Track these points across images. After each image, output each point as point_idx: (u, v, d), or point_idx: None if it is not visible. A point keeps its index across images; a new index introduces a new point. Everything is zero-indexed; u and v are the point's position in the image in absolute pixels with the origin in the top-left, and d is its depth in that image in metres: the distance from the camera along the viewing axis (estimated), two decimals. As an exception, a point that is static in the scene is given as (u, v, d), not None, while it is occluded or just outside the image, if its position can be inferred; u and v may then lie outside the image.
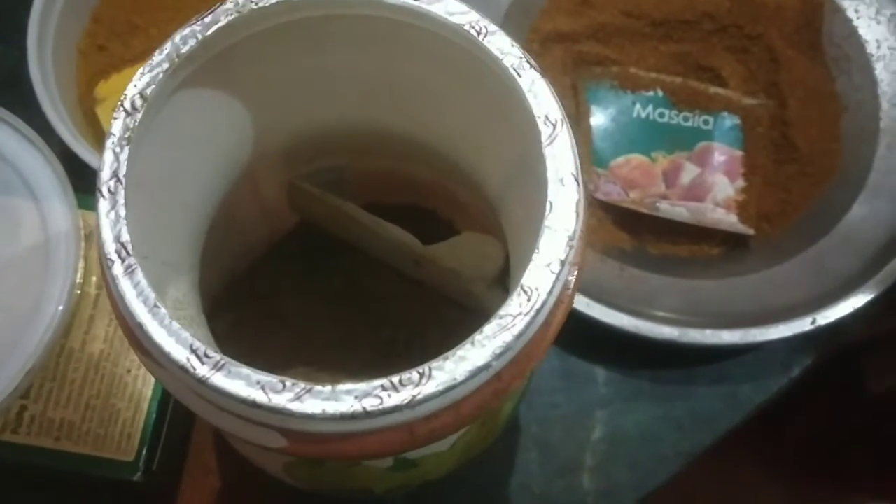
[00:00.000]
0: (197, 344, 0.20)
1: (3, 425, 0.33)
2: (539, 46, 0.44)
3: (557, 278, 0.20)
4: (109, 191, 0.21)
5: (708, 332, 0.37)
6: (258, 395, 0.19)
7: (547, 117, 0.22)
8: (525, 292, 0.20)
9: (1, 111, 0.36)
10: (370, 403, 0.19)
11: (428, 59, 0.25)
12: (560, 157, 0.22)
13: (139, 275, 0.20)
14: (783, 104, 0.44)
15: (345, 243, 0.33)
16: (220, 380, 0.19)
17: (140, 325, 0.20)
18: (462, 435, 0.26)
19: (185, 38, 0.23)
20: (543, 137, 0.22)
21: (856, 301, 0.38)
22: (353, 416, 0.19)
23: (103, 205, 0.21)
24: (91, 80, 0.42)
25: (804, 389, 0.42)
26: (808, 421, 0.61)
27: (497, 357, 0.20)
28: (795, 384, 0.41)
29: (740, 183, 0.43)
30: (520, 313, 0.20)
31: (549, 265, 0.20)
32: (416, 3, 0.23)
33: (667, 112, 0.44)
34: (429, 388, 0.19)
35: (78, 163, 0.37)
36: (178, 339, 0.20)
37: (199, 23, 0.23)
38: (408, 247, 0.31)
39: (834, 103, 0.44)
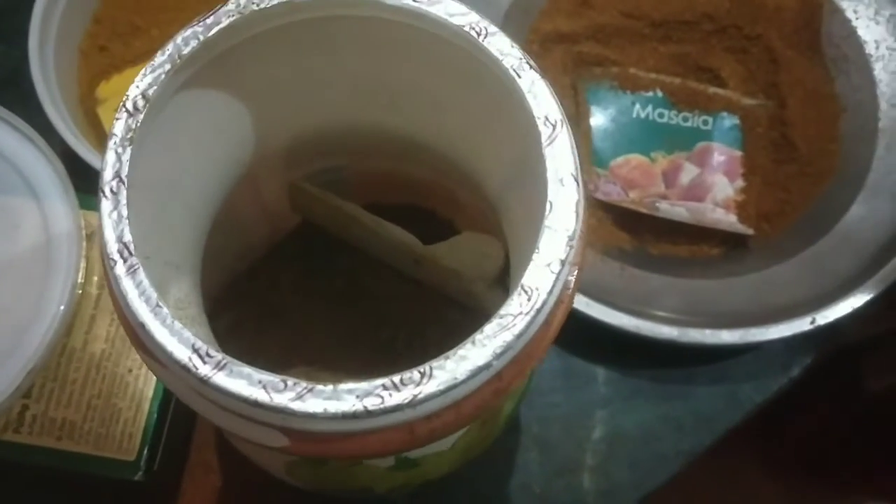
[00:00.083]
0: (199, 343, 0.20)
1: (5, 425, 0.33)
2: (539, 47, 0.44)
3: (558, 278, 0.20)
4: (112, 191, 0.21)
5: (708, 331, 0.38)
6: (260, 395, 0.19)
7: (547, 118, 0.22)
8: (525, 292, 0.20)
9: (2, 111, 0.36)
10: (371, 402, 0.19)
11: (428, 60, 0.25)
12: (560, 158, 0.22)
13: (141, 275, 0.20)
14: (782, 104, 0.44)
15: (345, 243, 0.33)
16: (222, 379, 0.19)
17: (142, 325, 0.20)
18: (462, 434, 0.26)
19: (187, 39, 0.23)
20: (543, 138, 0.22)
21: (855, 301, 0.38)
22: (354, 416, 0.19)
23: (106, 205, 0.21)
24: (92, 80, 0.42)
25: (804, 389, 0.42)
26: (808, 420, 0.61)
27: (498, 356, 0.20)
28: (795, 384, 0.41)
29: (740, 183, 0.43)
30: (520, 313, 0.20)
31: (549, 265, 0.20)
32: (416, 5, 0.23)
33: (666, 112, 0.45)
34: (430, 387, 0.19)
35: (79, 163, 0.37)
36: (181, 339, 0.20)
37: (201, 24, 0.23)
38: (408, 246, 0.31)
39: (833, 104, 0.44)
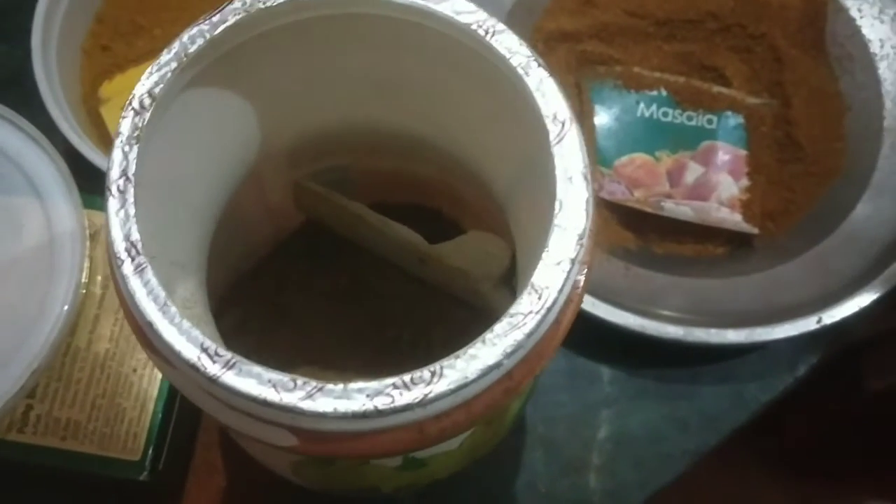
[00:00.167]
0: (208, 342, 0.20)
1: (9, 425, 0.33)
2: (543, 46, 0.44)
3: (568, 276, 0.20)
4: (119, 189, 0.21)
5: (713, 331, 0.37)
6: (269, 394, 0.19)
7: (555, 116, 0.22)
8: (535, 291, 0.20)
9: (5, 110, 0.36)
10: (382, 402, 0.19)
11: (435, 59, 0.25)
12: (568, 156, 0.22)
13: (149, 273, 0.20)
14: (787, 103, 0.44)
15: (350, 242, 0.33)
16: (231, 378, 0.19)
17: (150, 324, 0.20)
18: (469, 434, 0.26)
19: (193, 38, 0.23)
20: (552, 136, 0.22)
21: (861, 300, 0.38)
22: (364, 415, 0.19)
23: (112, 203, 0.21)
24: (95, 80, 0.42)
25: (809, 389, 0.42)
26: (810, 420, 0.61)
27: (508, 355, 0.20)
28: (801, 384, 0.41)
29: (744, 182, 0.43)
30: (530, 312, 0.20)
31: (559, 263, 0.20)
32: (424, 3, 0.23)
33: (670, 111, 0.44)
34: (440, 386, 0.19)
35: (82, 162, 0.37)
36: (189, 338, 0.20)
37: (207, 22, 0.23)
38: (413, 246, 0.31)
39: (837, 102, 0.44)
